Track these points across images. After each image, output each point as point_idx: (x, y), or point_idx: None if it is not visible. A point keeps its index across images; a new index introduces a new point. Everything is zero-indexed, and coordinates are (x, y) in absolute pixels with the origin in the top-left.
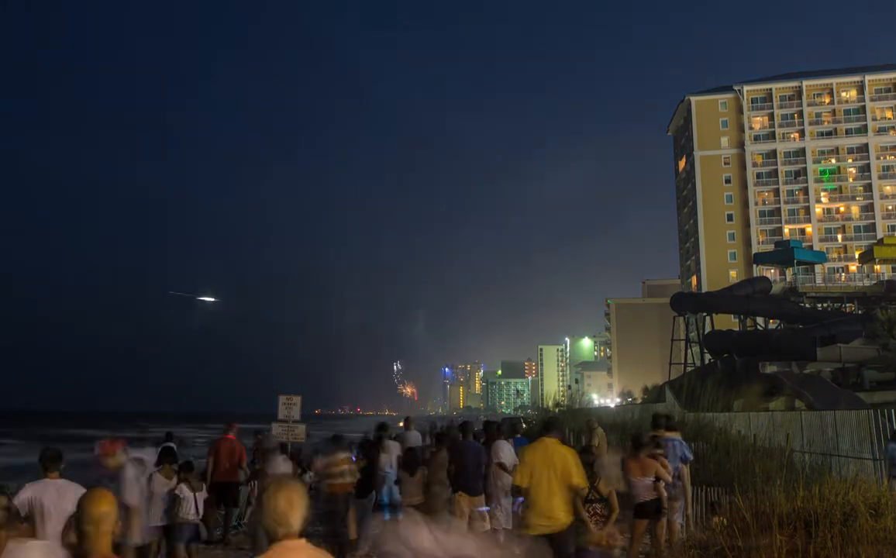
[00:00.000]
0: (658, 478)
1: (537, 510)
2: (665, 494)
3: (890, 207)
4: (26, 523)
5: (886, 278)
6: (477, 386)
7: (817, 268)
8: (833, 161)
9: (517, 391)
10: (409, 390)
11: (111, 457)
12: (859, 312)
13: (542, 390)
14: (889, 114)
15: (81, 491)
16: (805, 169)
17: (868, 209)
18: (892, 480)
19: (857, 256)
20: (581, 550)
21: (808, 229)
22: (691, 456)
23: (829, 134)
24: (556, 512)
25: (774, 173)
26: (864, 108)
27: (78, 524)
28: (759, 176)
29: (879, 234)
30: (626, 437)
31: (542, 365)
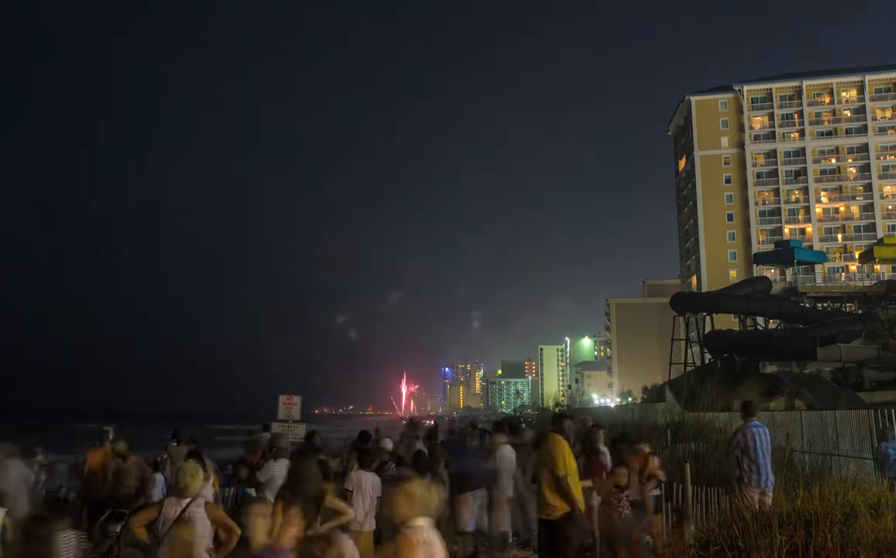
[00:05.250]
0: (651, 477)
1: (539, 499)
2: (650, 493)
3: (890, 207)
4: None
5: (886, 278)
6: (477, 386)
7: (817, 268)
8: (833, 161)
9: (517, 391)
10: (407, 392)
11: None
12: (859, 312)
13: (542, 390)
14: (889, 114)
15: None
16: (805, 169)
17: (868, 209)
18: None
19: (857, 256)
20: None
21: (808, 229)
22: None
23: (829, 134)
24: (549, 501)
25: (774, 173)
26: (864, 108)
27: None
28: (759, 176)
29: (879, 234)
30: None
31: (542, 365)
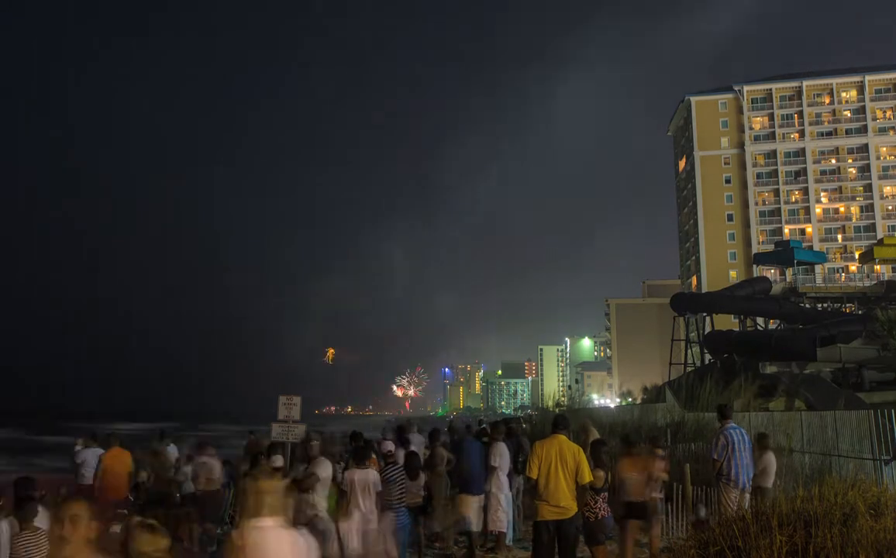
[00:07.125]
0: (652, 477)
1: (547, 499)
2: (657, 495)
3: (890, 207)
4: None
5: (886, 278)
6: (477, 386)
7: (817, 268)
8: (833, 161)
9: (517, 391)
10: (400, 391)
11: None
12: (859, 312)
13: (542, 390)
14: (889, 114)
15: None
16: (805, 169)
17: (868, 209)
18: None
19: (857, 256)
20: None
21: (808, 229)
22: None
23: (829, 134)
24: (564, 502)
25: (774, 173)
26: (864, 108)
27: None
28: (759, 176)
29: (879, 234)
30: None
31: (542, 365)
